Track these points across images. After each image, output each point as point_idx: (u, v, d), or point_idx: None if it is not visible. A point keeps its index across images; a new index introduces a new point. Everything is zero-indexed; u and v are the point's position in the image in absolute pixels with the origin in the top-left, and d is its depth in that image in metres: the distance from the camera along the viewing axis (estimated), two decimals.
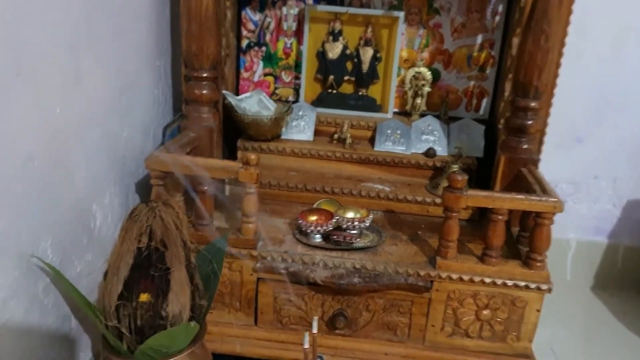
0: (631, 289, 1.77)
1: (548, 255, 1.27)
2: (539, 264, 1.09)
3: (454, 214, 1.07)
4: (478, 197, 1.05)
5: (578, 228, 1.74)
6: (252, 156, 1.07)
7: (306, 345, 0.69)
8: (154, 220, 0.89)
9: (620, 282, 1.78)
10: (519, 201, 1.05)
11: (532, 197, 1.05)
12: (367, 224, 1.18)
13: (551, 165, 1.64)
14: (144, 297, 0.89)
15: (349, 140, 1.45)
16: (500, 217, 1.06)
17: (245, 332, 1.18)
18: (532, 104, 1.18)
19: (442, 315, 1.14)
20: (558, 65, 1.19)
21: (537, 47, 1.13)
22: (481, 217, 1.31)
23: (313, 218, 1.19)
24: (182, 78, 1.29)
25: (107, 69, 1.08)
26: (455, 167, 1.32)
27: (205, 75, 1.25)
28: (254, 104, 1.49)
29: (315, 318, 0.73)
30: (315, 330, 0.69)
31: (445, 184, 1.32)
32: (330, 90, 1.56)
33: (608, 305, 1.71)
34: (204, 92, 1.26)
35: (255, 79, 1.59)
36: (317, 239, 1.18)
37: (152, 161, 1.10)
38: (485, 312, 1.13)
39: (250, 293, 1.17)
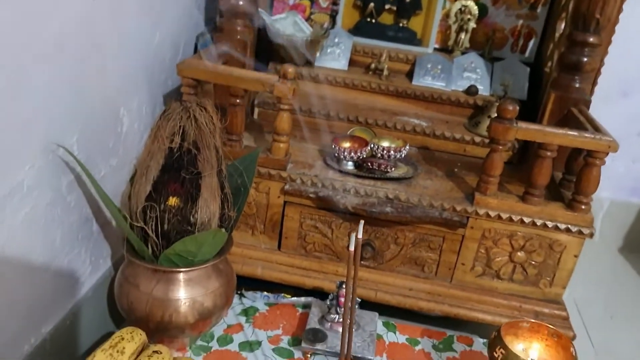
0: None
1: None
2: (584, 207, 1.03)
3: (500, 147, 1.00)
4: (529, 130, 0.99)
5: (613, 187, 1.68)
6: (290, 69, 1.01)
7: (352, 248, 0.64)
8: (187, 121, 0.84)
9: None
10: (571, 137, 0.98)
11: (586, 134, 0.98)
12: (403, 154, 1.12)
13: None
14: (172, 200, 0.85)
15: (385, 72, 1.37)
16: (549, 153, 1.00)
17: (268, 256, 1.15)
18: (591, 39, 1.09)
19: (474, 254, 1.09)
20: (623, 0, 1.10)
21: None
22: (521, 161, 1.25)
23: (346, 144, 1.14)
24: None
25: None
26: None
27: None
28: (288, 25, 1.41)
29: (362, 222, 0.68)
30: (360, 235, 0.64)
31: (486, 122, 1.25)
32: (369, 19, 1.48)
33: (636, 267, 1.66)
34: (240, 3, 1.18)
35: (291, 1, 1.51)
36: (350, 166, 1.12)
37: (185, 67, 1.04)
38: (520, 254, 1.08)
39: (276, 216, 1.12)
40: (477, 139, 1.25)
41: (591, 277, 1.54)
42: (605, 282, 1.57)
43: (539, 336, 0.89)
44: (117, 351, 0.79)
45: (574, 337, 1.07)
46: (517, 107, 0.99)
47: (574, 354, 0.84)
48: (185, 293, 0.89)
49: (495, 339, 0.86)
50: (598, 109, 1.54)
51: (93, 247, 1.00)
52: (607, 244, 1.73)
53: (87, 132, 0.90)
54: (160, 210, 0.84)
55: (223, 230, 0.84)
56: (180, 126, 0.83)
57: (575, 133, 0.98)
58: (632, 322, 1.40)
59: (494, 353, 0.85)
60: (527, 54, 1.46)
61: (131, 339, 0.81)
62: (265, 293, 1.13)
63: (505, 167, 1.20)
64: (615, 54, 1.48)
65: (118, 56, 0.96)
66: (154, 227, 0.85)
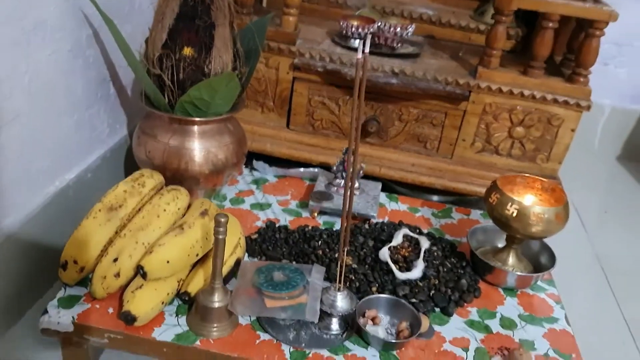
0: None
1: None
2: (582, 79, 1.07)
3: (504, 17, 1.03)
4: (532, 0, 1.01)
5: (614, 94, 1.71)
6: None
7: (359, 56, 0.68)
8: None
9: None
10: (573, 7, 1.01)
11: (587, 4, 1.01)
12: (410, 32, 1.15)
13: None
14: (187, 50, 0.89)
15: None
16: (550, 23, 1.02)
17: (277, 133, 1.20)
18: None
19: (475, 130, 1.14)
20: None
21: None
22: (524, 50, 1.28)
23: (354, 22, 1.17)
24: None
25: None
26: None
27: None
28: None
29: (369, 36, 0.71)
30: (367, 50, 0.67)
31: (491, 10, 1.27)
32: None
33: (633, 174, 1.70)
34: None
35: None
36: (357, 42, 1.16)
37: None
38: (519, 129, 1.12)
39: (285, 92, 1.17)
40: (482, 27, 1.27)
41: (589, 183, 1.59)
42: (603, 187, 1.62)
43: (534, 191, 0.94)
44: (139, 184, 0.84)
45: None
46: None
47: (567, 202, 0.89)
48: (199, 144, 0.94)
49: (491, 188, 0.91)
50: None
51: (111, 110, 1.05)
52: (606, 152, 1.77)
53: None
54: (176, 60, 0.88)
55: (236, 74, 0.89)
56: None
57: (577, 2, 1.01)
58: (624, 217, 1.46)
59: (490, 199, 0.90)
60: None
61: (151, 176, 0.87)
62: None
63: (508, 54, 1.24)
64: None
65: None
66: (169, 75, 0.89)
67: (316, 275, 0.83)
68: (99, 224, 0.80)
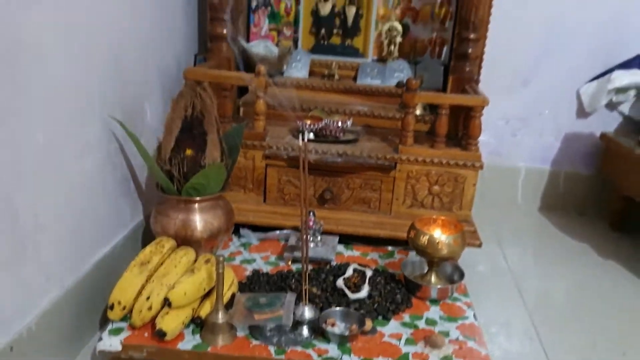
0: (571, 209, 2.15)
1: (501, 180, 1.68)
2: (473, 147, 1.48)
3: (410, 109, 1.46)
4: (427, 96, 1.45)
5: (526, 157, 2.13)
6: (261, 67, 1.47)
7: (302, 143, 1.07)
8: (195, 97, 1.28)
9: (562, 204, 2.16)
10: (457, 98, 1.44)
11: (466, 95, 1.44)
12: (349, 124, 1.57)
13: (503, 105, 2.05)
14: (188, 152, 1.28)
15: (336, 77, 1.84)
16: (444, 110, 1.45)
17: (256, 207, 1.57)
18: (472, 35, 1.57)
19: (404, 191, 1.52)
20: (490, 6, 1.58)
21: None
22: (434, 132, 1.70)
23: (307, 121, 1.58)
24: (207, 20, 1.67)
25: (155, 8, 1.48)
26: None
27: (225, 17, 1.64)
28: (261, 48, 1.88)
29: (307, 133, 1.10)
30: (306, 139, 1.06)
31: None
32: (322, 41, 1.96)
33: (553, 222, 2.08)
34: (224, 30, 1.65)
35: (262, 33, 1.99)
36: (311, 135, 1.56)
37: (189, 72, 1.49)
38: (435, 187, 1.51)
39: (260, 176, 1.55)
40: None
41: (516, 231, 1.96)
42: (530, 238, 1.97)
43: (439, 226, 1.31)
44: (159, 246, 1.20)
45: (480, 245, 1.49)
46: (419, 82, 1.44)
47: (463, 231, 1.26)
48: (200, 216, 1.31)
49: (410, 227, 1.28)
50: (505, 97, 2.04)
51: (131, 200, 1.42)
52: (529, 205, 2.17)
53: (124, 119, 1.33)
54: (181, 159, 1.27)
55: (223, 165, 1.27)
56: (191, 101, 1.28)
57: (459, 95, 1.44)
58: (544, 256, 1.82)
59: (410, 235, 1.27)
60: (442, 57, 1.94)
61: (167, 241, 1.23)
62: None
63: (426, 134, 1.66)
64: (512, 51, 1.99)
65: (142, 70, 1.41)
66: (177, 170, 1.27)
67: (290, 298, 1.17)
68: (134, 275, 1.15)
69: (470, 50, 1.59)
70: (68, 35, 1.06)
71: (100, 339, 1.09)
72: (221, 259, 1.07)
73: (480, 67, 1.65)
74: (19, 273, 0.98)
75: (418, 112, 1.66)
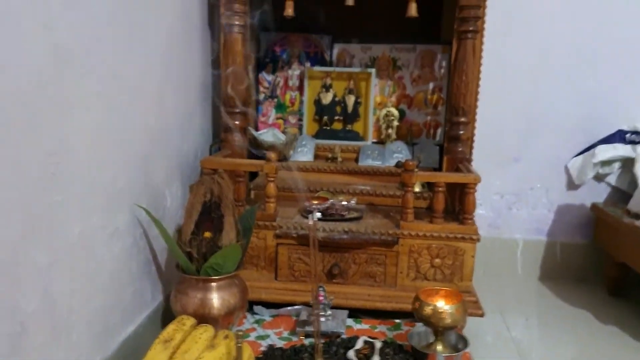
0: (570, 277, 2.23)
1: (501, 251, 1.80)
2: (469, 221, 1.59)
3: (409, 188, 1.58)
4: (424, 175, 1.58)
5: (522, 230, 2.24)
6: (272, 155, 1.61)
7: (311, 222, 1.18)
8: (213, 184, 1.41)
9: (560, 272, 2.24)
10: (451, 176, 1.57)
11: (459, 174, 1.57)
12: (353, 203, 1.69)
13: (497, 181, 2.19)
14: (207, 234, 1.40)
15: (339, 159, 1.99)
16: (440, 188, 1.57)
17: (268, 284, 1.66)
18: (462, 119, 1.73)
19: (407, 264, 1.62)
20: (477, 93, 1.75)
21: (460, 81, 1.70)
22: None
23: (315, 201, 1.71)
24: (220, 112, 1.84)
25: (178, 106, 1.65)
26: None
27: (237, 110, 1.81)
28: (269, 136, 2.04)
29: (315, 213, 1.22)
30: (315, 219, 1.17)
31: None
32: (325, 127, 2.13)
33: (553, 291, 2.15)
34: (237, 122, 1.81)
35: (270, 122, 2.17)
36: (318, 215, 1.68)
37: (206, 161, 1.63)
38: (436, 260, 1.61)
39: (271, 255, 1.66)
40: None
41: (520, 304, 2.03)
42: (531, 306, 2.04)
43: (441, 297, 1.39)
44: (181, 324, 1.29)
45: (482, 315, 1.57)
46: (416, 163, 1.58)
47: (463, 301, 1.34)
48: (217, 294, 1.40)
49: (415, 298, 1.37)
50: (498, 173, 2.18)
51: (152, 281, 1.51)
52: (528, 275, 2.24)
53: (149, 205, 1.46)
54: (200, 240, 1.38)
55: (238, 244, 1.38)
56: (210, 188, 1.41)
57: (453, 174, 1.57)
58: (546, 324, 1.88)
59: (414, 306, 1.35)
60: (437, 138, 2.10)
61: (187, 319, 1.31)
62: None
63: (425, 210, 1.78)
64: (502, 129, 2.14)
65: (164, 161, 1.56)
66: (196, 251, 1.38)
67: None
68: (158, 352, 1.22)
69: (461, 133, 1.74)
70: (104, 137, 1.20)
71: None
72: (240, 333, 1.16)
73: (471, 147, 1.79)
74: (55, 355, 1.06)
75: (417, 189, 1.79)
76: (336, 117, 2.13)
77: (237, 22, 1.76)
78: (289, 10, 1.71)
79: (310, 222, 1.19)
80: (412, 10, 1.69)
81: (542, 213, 2.23)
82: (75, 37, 1.06)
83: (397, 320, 1.59)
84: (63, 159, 1.05)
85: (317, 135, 2.12)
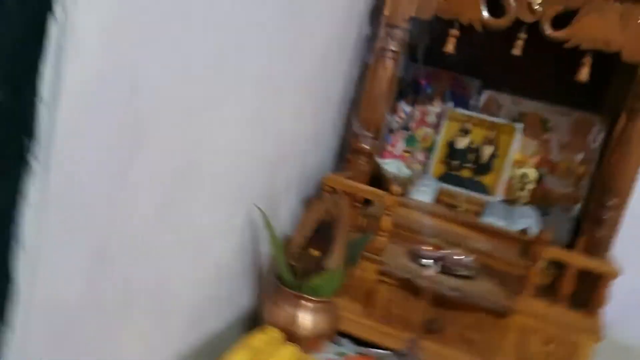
0: None
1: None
2: (595, 316, 1.42)
3: (538, 261, 1.44)
4: (557, 252, 1.43)
5: None
6: (397, 188, 1.54)
7: (428, 272, 1.09)
8: (333, 204, 1.37)
9: None
10: (588, 262, 1.41)
11: (598, 261, 1.41)
12: (469, 260, 1.58)
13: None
14: (315, 252, 1.36)
15: (461, 209, 1.88)
16: (572, 270, 1.42)
17: (359, 319, 1.58)
18: (610, 202, 1.55)
19: (514, 342, 1.47)
20: (636, 172, 1.56)
21: (619, 160, 1.53)
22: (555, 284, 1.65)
23: (428, 248, 1.61)
24: (351, 133, 1.80)
25: (314, 115, 1.64)
26: None
27: (369, 135, 1.76)
28: (394, 167, 1.98)
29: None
30: (435, 271, 1.09)
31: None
32: (453, 172, 2.02)
33: None
34: (366, 146, 1.77)
35: (396, 153, 2.10)
36: (428, 262, 1.58)
37: (327, 179, 1.60)
38: (550, 345, 1.45)
39: (369, 289, 1.58)
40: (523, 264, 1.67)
41: None
42: None
43: None
44: (270, 336, 1.25)
45: None
46: (550, 235, 1.44)
47: None
48: (311, 316, 1.34)
49: None
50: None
51: (250, 285, 1.50)
52: None
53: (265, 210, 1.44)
54: (307, 256, 1.35)
55: (343, 271, 1.32)
56: (328, 207, 1.37)
57: (589, 259, 1.41)
58: None
59: None
60: (573, 212, 1.91)
61: (276, 332, 1.27)
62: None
63: (543, 287, 1.62)
64: None
65: (286, 170, 1.54)
66: (301, 266, 1.34)
67: None
68: (242, 356, 1.19)
69: (606, 216, 1.56)
70: (243, 136, 1.21)
71: None
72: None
73: (614, 234, 1.60)
74: (152, 333, 1.06)
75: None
76: (467, 165, 2.02)
77: (392, 48, 1.72)
78: (450, 47, 1.65)
79: (427, 273, 1.10)
80: (583, 74, 1.56)
81: None
82: (238, 38, 1.07)
83: None
84: (204, 150, 1.06)
85: (442, 179, 2.02)
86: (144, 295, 1.00)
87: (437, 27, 1.73)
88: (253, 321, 1.51)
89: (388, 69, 1.72)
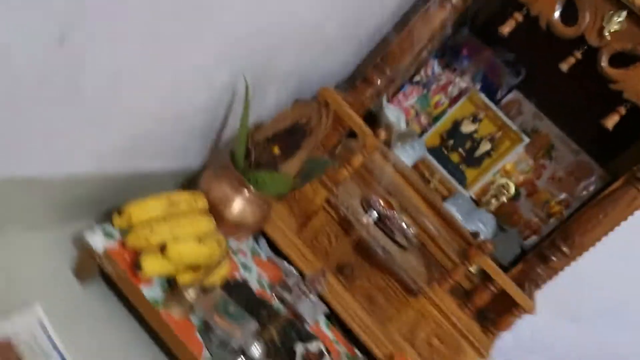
0: None
1: None
2: (491, 336, 1.44)
3: (467, 265, 1.44)
4: (488, 264, 1.43)
5: None
6: (383, 134, 1.49)
7: (366, 220, 1.08)
8: (316, 115, 1.32)
9: None
10: (513, 288, 1.42)
11: (521, 292, 1.42)
12: (411, 232, 1.57)
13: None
14: (276, 150, 1.32)
15: (432, 186, 1.85)
16: (493, 289, 1.43)
17: (289, 233, 1.57)
18: (564, 249, 1.54)
19: (409, 321, 1.50)
20: (598, 241, 1.55)
21: (595, 217, 1.51)
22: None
23: (382, 202, 1.59)
24: (371, 61, 1.73)
25: (344, 19, 1.55)
26: None
27: (388, 72, 1.69)
28: (393, 115, 1.92)
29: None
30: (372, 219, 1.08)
31: None
32: (443, 150, 1.98)
33: None
34: (379, 81, 1.70)
35: (404, 105, 2.04)
36: (374, 214, 1.57)
37: (326, 91, 1.53)
38: (436, 340, 1.48)
39: (310, 212, 1.56)
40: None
41: None
42: None
43: None
44: (195, 201, 1.23)
45: None
46: (491, 248, 1.42)
47: None
48: (244, 203, 1.33)
49: (387, 356, 1.26)
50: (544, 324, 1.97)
51: (202, 147, 1.46)
52: None
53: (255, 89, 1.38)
54: (267, 149, 1.31)
55: (292, 181, 1.30)
56: (311, 115, 1.32)
57: (515, 287, 1.42)
58: None
59: None
60: (526, 242, 1.91)
61: (202, 201, 1.25)
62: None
63: (461, 288, 1.63)
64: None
65: (288, 65, 1.47)
66: (255, 156, 1.31)
67: (252, 327, 1.16)
68: (159, 205, 1.18)
69: (553, 259, 1.56)
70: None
71: (93, 231, 1.13)
72: (230, 250, 1.09)
73: (549, 279, 1.61)
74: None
75: (472, 268, 1.64)
76: (459, 150, 1.98)
77: (454, 1, 1.61)
78: (507, 29, 1.55)
79: (367, 223, 1.08)
80: (611, 122, 1.49)
81: None
82: None
83: (358, 353, 1.49)
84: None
85: (430, 150, 1.98)
86: (95, 91, 0.95)
87: (506, 5, 1.63)
88: (188, 182, 1.49)
89: (440, 19, 1.63)
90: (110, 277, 1.12)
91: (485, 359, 1.45)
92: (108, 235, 1.14)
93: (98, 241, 1.12)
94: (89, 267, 1.14)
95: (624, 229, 1.62)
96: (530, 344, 2.05)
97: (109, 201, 1.27)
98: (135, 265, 1.09)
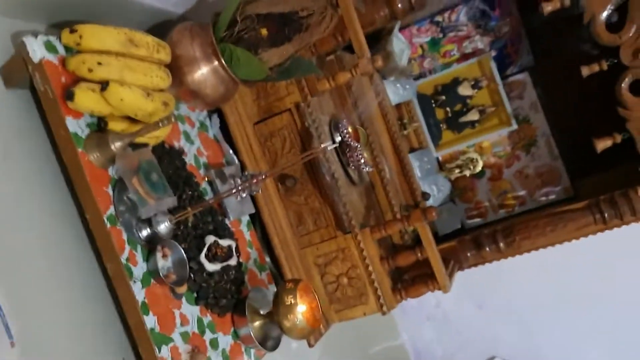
0: None
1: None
2: (398, 298, 1.43)
3: (406, 223, 1.40)
4: (424, 230, 1.40)
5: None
6: (380, 61, 1.37)
7: (324, 145, 1.00)
8: (322, 14, 1.19)
9: None
10: (437, 261, 1.39)
11: (443, 269, 1.40)
12: (367, 170, 1.50)
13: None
14: (264, 31, 1.19)
15: (405, 132, 1.77)
16: (419, 255, 1.40)
17: (245, 118, 1.46)
18: (501, 245, 1.53)
19: (328, 253, 1.45)
20: (536, 249, 1.54)
21: (527, 229, 1.48)
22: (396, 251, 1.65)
23: (349, 128, 1.50)
24: None
25: None
26: None
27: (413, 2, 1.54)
28: (398, 46, 1.77)
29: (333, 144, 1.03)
30: (330, 146, 1.00)
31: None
32: (432, 100, 1.89)
33: None
34: (400, 3, 1.55)
35: (412, 40, 1.90)
36: (337, 136, 1.48)
37: None
38: (345, 280, 1.45)
39: (276, 110, 1.45)
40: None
41: None
42: None
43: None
44: (158, 50, 1.09)
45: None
46: (435, 216, 1.38)
47: None
48: (210, 74, 1.19)
49: (291, 281, 1.23)
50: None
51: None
52: None
53: None
54: (254, 25, 1.17)
55: (268, 72, 1.18)
56: (317, 11, 1.18)
57: (440, 261, 1.39)
58: None
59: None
60: (470, 222, 1.90)
61: (166, 54, 1.12)
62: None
63: (391, 244, 1.61)
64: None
65: None
66: (239, 28, 1.17)
67: (169, 201, 1.08)
68: (115, 37, 1.04)
69: (487, 249, 1.55)
70: None
71: (35, 36, 0.99)
72: (174, 117, 0.99)
73: (476, 265, 1.61)
74: None
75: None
76: (447, 109, 1.89)
77: None
78: (549, 8, 1.42)
79: (325, 145, 1.00)
80: (601, 145, 1.45)
81: None
82: None
83: (268, 262, 1.46)
84: None
85: (419, 97, 1.88)
86: None
87: None
88: (158, 28, 1.35)
89: None
90: (38, 94, 1.01)
91: (383, 314, 1.44)
92: (51, 48, 1.01)
93: (37, 50, 0.99)
94: (19, 73, 1.01)
95: (561, 249, 1.62)
96: (432, 311, 2.09)
97: (66, 13, 1.12)
98: (68, 94, 0.98)
